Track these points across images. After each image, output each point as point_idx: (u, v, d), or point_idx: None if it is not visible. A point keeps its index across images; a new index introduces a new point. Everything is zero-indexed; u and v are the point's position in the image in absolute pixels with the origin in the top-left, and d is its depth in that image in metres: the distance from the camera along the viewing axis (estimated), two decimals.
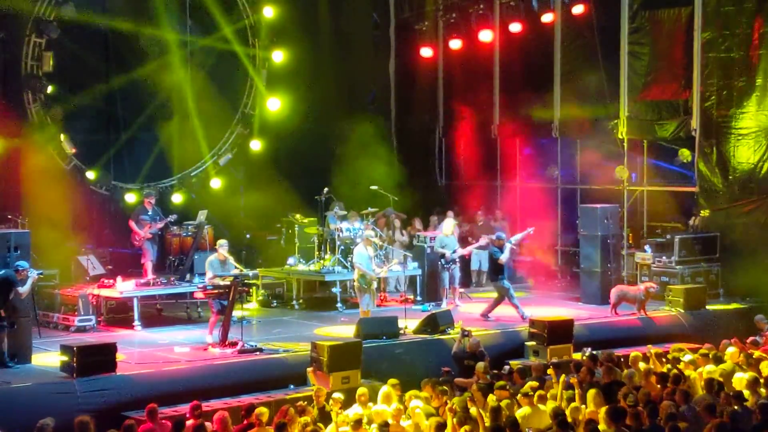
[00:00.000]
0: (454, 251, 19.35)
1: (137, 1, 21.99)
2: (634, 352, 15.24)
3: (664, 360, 14.96)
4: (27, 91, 20.46)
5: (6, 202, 19.27)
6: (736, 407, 11.55)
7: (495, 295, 18.70)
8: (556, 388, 13.06)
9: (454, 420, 11.26)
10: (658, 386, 13.17)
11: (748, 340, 15.77)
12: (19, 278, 14.41)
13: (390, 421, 11.39)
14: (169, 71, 22.39)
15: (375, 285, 17.91)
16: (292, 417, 11.65)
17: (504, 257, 18.24)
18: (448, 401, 12.13)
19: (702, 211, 20.86)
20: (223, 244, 16.64)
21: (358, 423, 11.23)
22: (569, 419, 11.34)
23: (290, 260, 20.50)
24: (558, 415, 11.36)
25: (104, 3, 21.65)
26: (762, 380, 13.26)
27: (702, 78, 20.84)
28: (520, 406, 12.12)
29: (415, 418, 11.79)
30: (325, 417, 11.96)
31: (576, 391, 12.64)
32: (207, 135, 23.13)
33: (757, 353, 14.77)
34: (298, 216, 20.93)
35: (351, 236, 19.38)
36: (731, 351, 14.78)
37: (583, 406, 12.01)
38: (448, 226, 19.76)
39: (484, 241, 20.13)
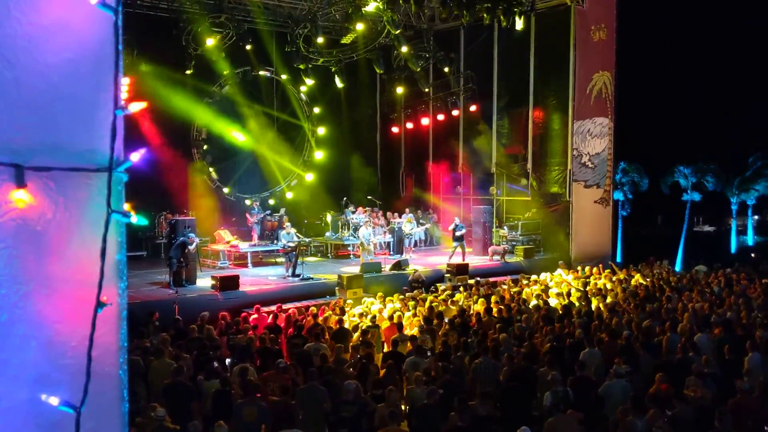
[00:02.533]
0: (411, 229, 19.36)
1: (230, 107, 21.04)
2: (499, 280, 15.66)
3: (514, 284, 15.05)
4: (194, 148, 20.64)
5: (182, 204, 18.84)
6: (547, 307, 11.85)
7: (451, 250, 18.42)
8: (458, 296, 13.24)
9: (412, 313, 11.46)
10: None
11: (554, 272, 16.35)
12: (190, 242, 14.35)
13: (377, 315, 11.29)
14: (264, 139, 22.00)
15: (371, 247, 17.63)
16: (326, 311, 11.90)
17: (459, 233, 18.13)
18: (407, 303, 12.25)
19: (532, 210, 20.96)
20: (289, 225, 16.84)
21: (361, 315, 11.43)
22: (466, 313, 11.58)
23: (327, 234, 20.11)
24: (461, 310, 11.79)
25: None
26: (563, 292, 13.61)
27: (532, 142, 20.97)
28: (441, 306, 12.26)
29: (388, 313, 11.44)
30: (343, 312, 11.89)
31: (472, 298, 12.94)
32: (284, 170, 22.81)
33: (565, 280, 15.39)
34: (331, 211, 20.71)
35: (358, 222, 19.00)
36: (543, 278, 15.48)
37: (474, 306, 12.21)
38: (409, 218, 19.68)
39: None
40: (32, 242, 2.01)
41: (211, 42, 17.77)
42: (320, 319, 11.16)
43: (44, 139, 2.00)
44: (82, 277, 2.05)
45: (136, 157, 2.13)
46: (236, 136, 20.78)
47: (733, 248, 31.84)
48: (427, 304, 11.99)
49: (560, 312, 11.29)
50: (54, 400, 2.00)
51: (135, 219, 2.15)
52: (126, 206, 2.12)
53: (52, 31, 2.00)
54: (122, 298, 2.12)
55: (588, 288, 13.81)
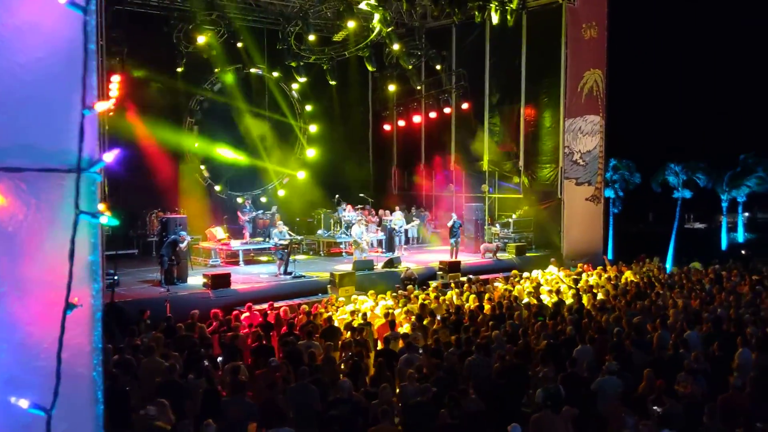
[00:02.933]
0: (401, 227, 19.24)
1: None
2: (491, 277, 15.70)
3: (507, 279, 15.21)
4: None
5: (174, 202, 18.61)
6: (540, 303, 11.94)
7: (450, 247, 18.35)
8: (450, 294, 13.16)
9: (403, 310, 11.37)
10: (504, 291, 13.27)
11: (546, 269, 16.42)
12: (181, 240, 14.21)
13: (369, 313, 11.25)
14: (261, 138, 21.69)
15: (364, 244, 17.40)
16: (318, 309, 11.87)
17: (454, 229, 18.23)
18: (399, 301, 12.17)
19: (524, 208, 20.92)
20: (281, 223, 16.63)
21: (352, 313, 11.36)
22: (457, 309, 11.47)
23: (319, 231, 20.04)
24: (450, 307, 11.79)
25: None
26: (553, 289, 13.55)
27: (524, 140, 20.98)
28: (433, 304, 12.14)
29: (380, 310, 11.52)
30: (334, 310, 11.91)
31: (464, 294, 12.86)
32: (276, 168, 22.49)
33: (556, 277, 15.35)
34: (323, 209, 20.73)
35: (349, 220, 18.93)
36: (535, 275, 15.52)
37: (467, 304, 12.15)
38: (400, 215, 19.59)
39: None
40: (4, 244, 1.97)
41: (202, 40, 17.68)
42: (312, 316, 11.13)
43: (16, 140, 1.97)
44: (54, 279, 2.01)
45: (109, 157, 2.09)
46: (227, 138, 20.65)
47: (724, 245, 32.01)
48: (419, 302, 11.93)
49: (551, 309, 11.26)
50: (24, 403, 1.96)
51: (105, 220, 2.10)
52: (101, 206, 2.08)
53: (23, 31, 1.96)
54: (96, 300, 2.09)
55: (579, 285, 13.80)
